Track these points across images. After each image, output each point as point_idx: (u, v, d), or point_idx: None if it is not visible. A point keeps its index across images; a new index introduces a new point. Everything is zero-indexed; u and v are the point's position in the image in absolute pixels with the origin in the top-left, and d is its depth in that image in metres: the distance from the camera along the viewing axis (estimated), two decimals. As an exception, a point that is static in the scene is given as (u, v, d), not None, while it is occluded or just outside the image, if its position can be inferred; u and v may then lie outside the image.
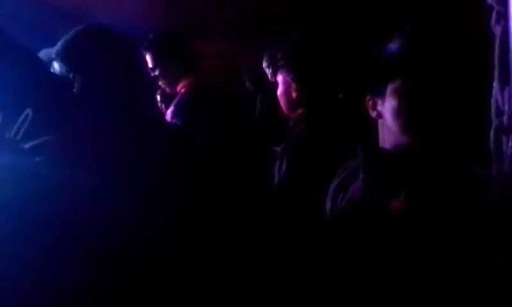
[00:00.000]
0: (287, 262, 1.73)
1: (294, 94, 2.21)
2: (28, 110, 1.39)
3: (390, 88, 1.54)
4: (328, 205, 1.70)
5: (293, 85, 2.22)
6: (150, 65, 2.94)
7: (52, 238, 1.33)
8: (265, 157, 2.30)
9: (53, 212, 1.33)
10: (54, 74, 1.61)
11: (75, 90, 1.58)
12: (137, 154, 1.55)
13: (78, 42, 1.66)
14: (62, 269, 1.35)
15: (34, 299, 1.33)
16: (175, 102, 2.88)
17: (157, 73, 2.93)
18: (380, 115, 1.59)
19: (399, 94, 1.52)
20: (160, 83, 2.99)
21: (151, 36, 2.95)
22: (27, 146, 1.39)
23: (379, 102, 1.58)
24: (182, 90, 2.89)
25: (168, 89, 3.01)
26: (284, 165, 2.10)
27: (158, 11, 4.28)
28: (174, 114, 2.78)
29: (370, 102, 1.61)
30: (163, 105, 3.53)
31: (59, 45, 1.65)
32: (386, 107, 1.55)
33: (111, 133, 1.54)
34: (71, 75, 1.60)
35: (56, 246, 1.34)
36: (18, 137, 1.40)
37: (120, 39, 1.70)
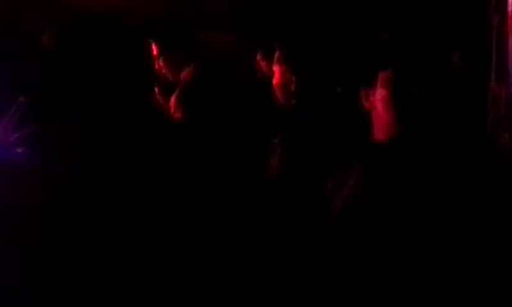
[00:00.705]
0: (286, 254, 1.73)
1: (292, 87, 2.24)
2: (21, 98, 1.39)
3: (380, 77, 1.54)
4: (327, 200, 1.70)
5: (292, 78, 2.24)
6: (155, 53, 2.95)
7: (30, 228, 1.32)
8: (264, 146, 2.31)
9: (33, 203, 1.32)
10: (48, 64, 1.60)
11: (64, 80, 1.57)
12: (130, 144, 1.54)
13: (67, 33, 1.66)
14: (38, 263, 1.33)
15: (20, 290, 1.31)
16: (177, 90, 2.92)
17: (161, 61, 2.96)
18: (372, 106, 1.59)
19: (388, 83, 1.52)
20: (163, 71, 3.04)
21: (156, 24, 2.99)
22: (16, 135, 1.38)
23: (371, 93, 1.58)
24: (185, 78, 2.94)
25: (170, 77, 3.06)
26: (286, 156, 2.11)
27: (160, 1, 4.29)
28: (177, 102, 2.83)
29: (364, 93, 1.61)
30: (162, 98, 3.53)
31: (49, 35, 1.65)
32: (378, 97, 1.55)
33: (101, 123, 1.53)
34: (59, 65, 1.60)
35: (32, 234, 1.32)
36: (11, 126, 1.39)
37: (110, 31, 1.69)
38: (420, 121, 1.49)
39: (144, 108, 1.75)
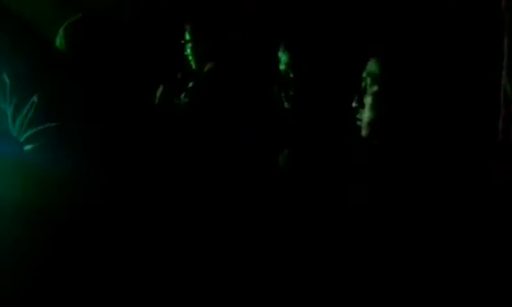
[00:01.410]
0: (291, 257, 1.73)
1: (296, 87, 2.27)
2: (34, 97, 1.40)
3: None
4: (333, 203, 1.70)
5: (295, 78, 2.28)
6: (187, 38, 3.19)
7: (31, 226, 1.33)
8: (273, 146, 2.32)
9: (38, 200, 1.33)
10: (61, 62, 1.61)
11: (73, 78, 1.58)
12: (136, 144, 1.54)
13: (75, 31, 1.67)
14: (47, 262, 1.34)
15: (31, 291, 1.32)
16: (193, 82, 3.01)
17: (189, 48, 3.16)
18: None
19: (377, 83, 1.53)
20: (189, 58, 3.20)
21: (193, 11, 3.12)
22: (27, 134, 1.39)
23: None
24: (207, 71, 3.04)
25: (194, 66, 3.20)
26: (292, 157, 2.13)
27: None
28: (192, 91, 2.92)
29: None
30: (176, 92, 3.62)
31: (62, 33, 1.66)
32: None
33: (107, 122, 1.53)
34: (72, 63, 1.61)
35: (35, 233, 1.33)
36: (24, 125, 1.41)
37: (117, 29, 1.71)
38: (411, 123, 1.47)
39: (155, 106, 1.76)
